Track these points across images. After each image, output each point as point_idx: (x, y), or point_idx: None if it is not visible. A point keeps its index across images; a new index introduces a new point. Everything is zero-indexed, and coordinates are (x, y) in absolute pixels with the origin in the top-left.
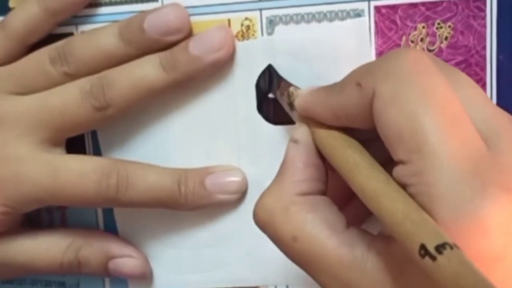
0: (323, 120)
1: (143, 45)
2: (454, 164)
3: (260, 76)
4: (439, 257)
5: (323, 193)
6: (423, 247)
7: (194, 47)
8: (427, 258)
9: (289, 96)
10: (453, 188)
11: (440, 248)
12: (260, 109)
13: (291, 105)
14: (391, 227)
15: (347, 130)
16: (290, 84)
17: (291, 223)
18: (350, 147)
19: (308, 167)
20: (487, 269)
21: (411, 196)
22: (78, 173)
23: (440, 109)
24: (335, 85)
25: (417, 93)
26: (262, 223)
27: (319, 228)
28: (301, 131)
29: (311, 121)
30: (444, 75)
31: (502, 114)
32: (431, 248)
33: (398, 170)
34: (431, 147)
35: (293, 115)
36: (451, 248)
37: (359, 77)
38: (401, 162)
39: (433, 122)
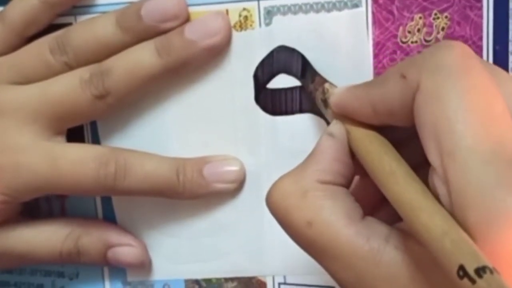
0: (360, 117)
1: (140, 32)
2: (484, 169)
3: (258, 66)
4: (478, 280)
5: (344, 186)
6: (462, 268)
7: (190, 31)
8: (465, 280)
9: (323, 92)
10: (483, 195)
11: (480, 271)
12: (258, 100)
13: (325, 102)
14: (428, 242)
15: (383, 130)
16: (325, 80)
17: (307, 207)
18: (387, 153)
19: (337, 161)
20: None
21: (443, 203)
22: (76, 161)
23: (482, 110)
24: (376, 78)
25: (462, 91)
26: (276, 204)
27: (336, 215)
28: (338, 127)
29: (346, 120)
30: (488, 72)
31: None
32: (470, 271)
33: (431, 175)
34: (462, 152)
35: (327, 113)
36: (491, 272)
37: (404, 69)
38: (434, 166)
39: (471, 124)
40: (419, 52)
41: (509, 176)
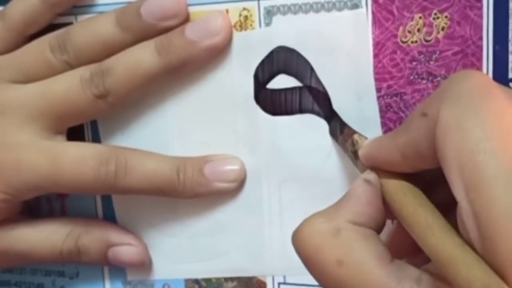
0: (390, 166)
1: (140, 31)
2: (510, 198)
3: (258, 66)
4: None
5: (374, 230)
6: None
7: (191, 31)
8: None
9: (353, 144)
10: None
11: None
12: (258, 100)
13: (355, 153)
14: None
15: (414, 175)
16: (354, 131)
17: (339, 246)
18: (422, 206)
19: (370, 206)
20: None
21: (472, 238)
22: (77, 159)
23: (504, 138)
24: (400, 126)
25: (482, 120)
26: (306, 241)
27: (368, 256)
28: (373, 176)
29: (377, 171)
30: (509, 99)
31: None
32: None
33: (458, 209)
34: (486, 184)
35: (357, 165)
36: None
37: (424, 107)
38: (458, 199)
39: (494, 154)
40: (419, 52)
41: None
